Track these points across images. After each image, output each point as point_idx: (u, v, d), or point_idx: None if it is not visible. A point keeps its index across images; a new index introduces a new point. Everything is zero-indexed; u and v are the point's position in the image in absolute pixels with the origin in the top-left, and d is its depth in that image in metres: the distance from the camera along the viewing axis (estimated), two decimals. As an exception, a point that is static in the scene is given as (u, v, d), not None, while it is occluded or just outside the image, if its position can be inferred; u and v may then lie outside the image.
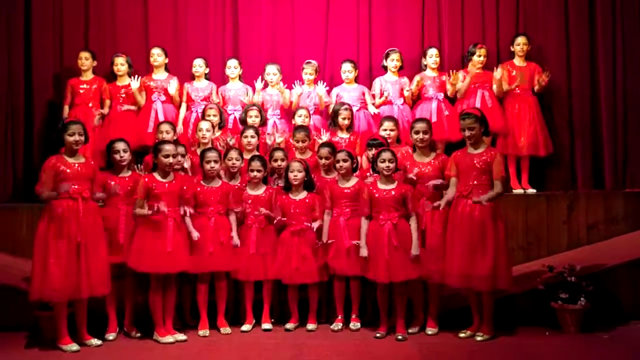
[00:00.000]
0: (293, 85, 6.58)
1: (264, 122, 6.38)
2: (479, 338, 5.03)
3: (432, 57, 6.66)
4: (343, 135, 6.18)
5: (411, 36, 7.09)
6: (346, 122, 6.16)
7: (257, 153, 5.81)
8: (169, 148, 5.16)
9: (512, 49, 6.72)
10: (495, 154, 5.08)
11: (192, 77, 6.76)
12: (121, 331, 5.26)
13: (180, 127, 6.45)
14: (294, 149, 5.96)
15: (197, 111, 6.56)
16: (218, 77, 6.90)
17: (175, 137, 5.89)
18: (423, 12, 7.10)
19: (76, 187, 4.85)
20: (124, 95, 6.67)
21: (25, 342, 5.14)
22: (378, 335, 5.14)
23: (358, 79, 6.79)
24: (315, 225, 5.30)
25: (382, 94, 6.65)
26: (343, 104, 6.30)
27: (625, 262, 5.59)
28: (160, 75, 6.71)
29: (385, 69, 6.73)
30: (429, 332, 5.21)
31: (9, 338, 5.21)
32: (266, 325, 5.36)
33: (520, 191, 6.42)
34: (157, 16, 7.13)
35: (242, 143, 5.92)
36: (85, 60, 6.68)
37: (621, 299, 5.58)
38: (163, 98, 6.61)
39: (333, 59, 7.08)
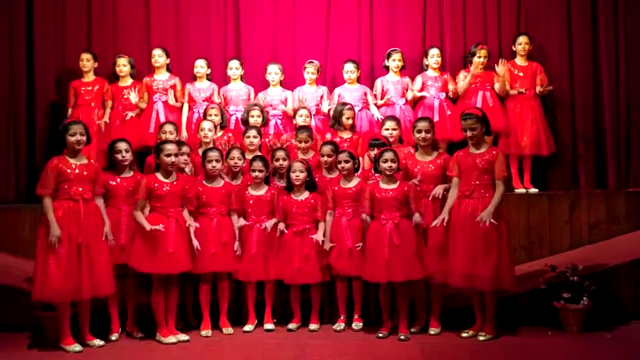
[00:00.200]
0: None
1: (266, 122, 6.38)
2: (481, 338, 5.03)
3: (433, 57, 6.66)
4: (345, 135, 6.18)
5: (413, 36, 7.09)
6: (350, 121, 6.16)
7: (259, 153, 5.81)
8: (170, 147, 5.16)
9: (513, 49, 6.71)
10: (497, 153, 5.08)
11: (194, 78, 6.76)
12: (124, 331, 5.26)
13: (185, 134, 6.45)
14: (296, 149, 5.96)
15: (198, 111, 6.56)
16: (220, 77, 6.90)
17: (178, 138, 5.89)
18: (425, 12, 7.09)
19: (81, 189, 4.86)
20: (126, 96, 6.67)
21: (27, 343, 5.14)
22: (380, 335, 5.15)
23: (360, 79, 6.79)
24: (319, 238, 5.28)
25: (383, 95, 6.65)
26: (345, 104, 6.30)
27: (628, 261, 5.58)
28: (161, 75, 6.71)
29: (387, 69, 6.73)
30: (432, 332, 5.20)
31: (12, 338, 5.22)
32: (268, 326, 5.36)
33: (522, 191, 6.42)
34: (159, 17, 7.13)
35: (244, 143, 5.92)
36: (87, 61, 6.69)
37: (623, 298, 5.57)
38: (164, 98, 6.62)
39: (334, 59, 7.08)
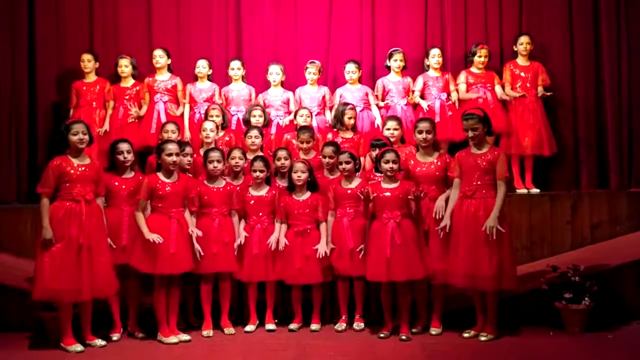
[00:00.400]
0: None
1: (267, 122, 6.39)
2: (483, 338, 5.03)
3: (434, 57, 6.66)
4: (347, 135, 6.18)
5: (414, 36, 7.09)
6: (352, 121, 6.16)
7: (260, 153, 5.81)
8: (172, 147, 5.16)
9: (515, 49, 6.71)
10: (499, 153, 5.07)
11: (195, 78, 6.76)
12: (125, 332, 5.26)
13: (188, 134, 6.45)
14: (297, 149, 5.96)
15: (199, 112, 6.57)
16: (221, 78, 6.91)
17: (179, 138, 5.89)
18: (426, 12, 7.09)
19: (83, 189, 4.86)
20: (127, 97, 6.67)
21: (29, 343, 5.14)
22: (382, 335, 5.14)
23: (361, 79, 6.79)
24: (321, 249, 5.28)
25: (385, 95, 6.65)
26: (347, 104, 6.30)
27: (630, 262, 5.57)
28: (162, 76, 6.71)
29: (389, 69, 6.72)
30: (433, 332, 5.20)
31: (13, 338, 5.21)
32: (270, 326, 5.36)
33: (524, 191, 6.42)
34: (161, 17, 7.13)
35: (245, 143, 5.92)
36: (88, 62, 6.69)
37: (625, 298, 5.56)
38: (166, 99, 6.62)
39: (336, 60, 7.07)
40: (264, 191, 5.47)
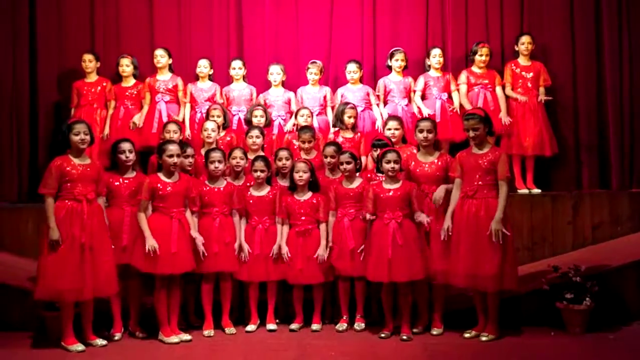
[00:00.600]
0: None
1: (269, 122, 6.39)
2: (484, 338, 5.03)
3: (435, 57, 6.65)
4: (347, 135, 6.18)
5: (415, 36, 7.08)
6: (352, 120, 6.16)
7: (261, 153, 5.81)
8: (173, 148, 5.16)
9: (516, 48, 6.70)
10: (500, 153, 5.06)
11: (196, 78, 6.76)
12: (126, 331, 5.27)
13: (188, 132, 6.46)
14: (298, 149, 5.96)
15: (201, 111, 6.57)
16: (222, 77, 6.91)
17: (181, 137, 5.89)
18: (427, 12, 7.09)
19: (84, 189, 4.86)
20: (128, 94, 6.67)
21: (30, 342, 5.15)
22: (383, 335, 5.14)
23: (362, 79, 6.79)
24: (321, 254, 5.29)
25: (386, 95, 6.65)
26: (347, 103, 6.31)
27: (631, 262, 5.56)
28: (164, 76, 6.71)
29: (390, 68, 6.72)
30: (434, 332, 5.20)
31: (15, 338, 5.21)
32: (271, 326, 5.36)
33: (525, 191, 6.41)
34: (162, 17, 7.14)
35: (247, 143, 5.93)
36: (89, 62, 6.70)
37: (627, 299, 5.55)
38: (167, 98, 6.62)
39: (337, 60, 7.08)
40: (265, 191, 5.47)
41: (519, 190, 6.41)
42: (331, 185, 5.45)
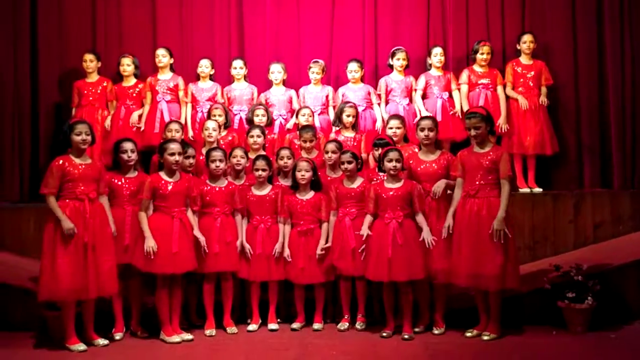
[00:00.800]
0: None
1: (270, 122, 6.39)
2: (485, 337, 5.02)
3: (436, 56, 6.65)
4: (348, 134, 6.18)
5: (416, 35, 7.09)
6: (350, 119, 6.15)
7: (262, 153, 5.81)
8: (174, 147, 5.16)
9: (518, 47, 6.70)
10: (502, 152, 5.06)
11: (197, 77, 6.76)
12: (128, 331, 5.27)
13: (191, 132, 6.46)
14: (299, 148, 5.96)
15: (202, 111, 6.57)
16: (223, 77, 6.91)
17: (183, 137, 5.89)
18: (428, 11, 7.09)
19: (86, 188, 4.87)
20: (129, 95, 6.68)
21: (32, 342, 5.15)
22: (384, 334, 5.14)
23: (364, 78, 6.79)
24: (319, 250, 5.31)
25: (388, 94, 6.65)
26: (347, 102, 6.31)
27: (632, 261, 5.55)
28: (165, 75, 6.71)
29: (391, 67, 6.72)
30: (436, 332, 5.20)
31: (17, 338, 5.22)
32: (272, 325, 5.36)
33: (526, 190, 6.41)
34: (163, 17, 7.14)
35: (248, 142, 5.93)
36: (90, 62, 6.70)
37: (628, 298, 5.55)
38: (168, 98, 6.63)
39: (339, 59, 7.08)
40: (266, 190, 5.47)
41: (520, 190, 6.41)
42: (332, 185, 5.45)
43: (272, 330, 5.32)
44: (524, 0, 6.96)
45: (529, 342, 4.99)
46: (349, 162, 5.36)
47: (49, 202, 4.82)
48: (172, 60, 6.74)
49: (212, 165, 5.37)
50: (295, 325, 5.38)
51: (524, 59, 6.66)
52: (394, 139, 5.68)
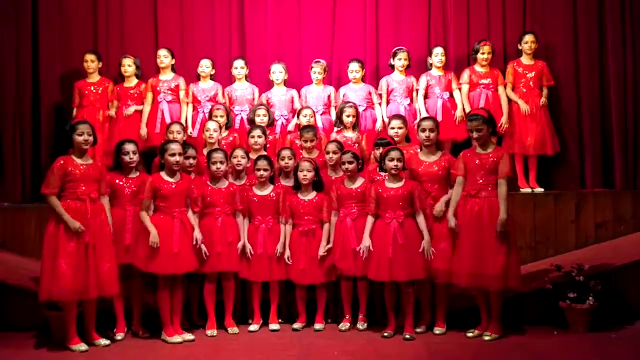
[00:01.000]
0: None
1: (272, 122, 6.39)
2: (487, 338, 5.02)
3: (437, 56, 6.64)
4: (349, 134, 6.18)
5: (417, 35, 7.08)
6: (350, 119, 6.15)
7: (264, 153, 5.81)
8: (175, 147, 5.16)
9: (519, 48, 6.69)
10: (503, 153, 5.06)
11: (198, 78, 6.76)
12: (129, 331, 5.27)
13: (191, 131, 6.46)
14: (301, 149, 5.95)
15: (203, 112, 6.57)
16: (225, 77, 6.91)
17: (185, 138, 5.89)
18: (429, 11, 7.08)
19: (87, 189, 4.87)
20: (130, 96, 6.68)
21: (34, 342, 5.15)
22: (386, 334, 5.14)
23: (365, 78, 6.79)
24: (321, 251, 5.31)
25: (389, 94, 6.64)
26: (347, 102, 6.31)
27: (634, 261, 5.55)
28: (166, 76, 6.71)
29: (393, 68, 6.72)
30: (437, 332, 5.20)
31: (18, 338, 5.23)
32: (274, 326, 5.36)
33: (528, 190, 6.41)
34: (165, 17, 7.13)
35: (249, 143, 5.93)
36: (91, 62, 6.69)
37: (630, 298, 5.54)
38: (169, 98, 6.62)
39: (340, 59, 7.08)
40: (268, 191, 5.46)
41: (522, 190, 6.40)
42: (333, 186, 5.44)
43: (273, 330, 5.33)
44: (525, 0, 6.96)
45: (531, 343, 4.99)
46: (350, 163, 5.36)
47: (51, 202, 4.82)
48: (173, 61, 6.74)
49: (213, 168, 5.36)
50: (296, 325, 5.38)
51: (526, 59, 6.65)
52: (396, 139, 5.69)
